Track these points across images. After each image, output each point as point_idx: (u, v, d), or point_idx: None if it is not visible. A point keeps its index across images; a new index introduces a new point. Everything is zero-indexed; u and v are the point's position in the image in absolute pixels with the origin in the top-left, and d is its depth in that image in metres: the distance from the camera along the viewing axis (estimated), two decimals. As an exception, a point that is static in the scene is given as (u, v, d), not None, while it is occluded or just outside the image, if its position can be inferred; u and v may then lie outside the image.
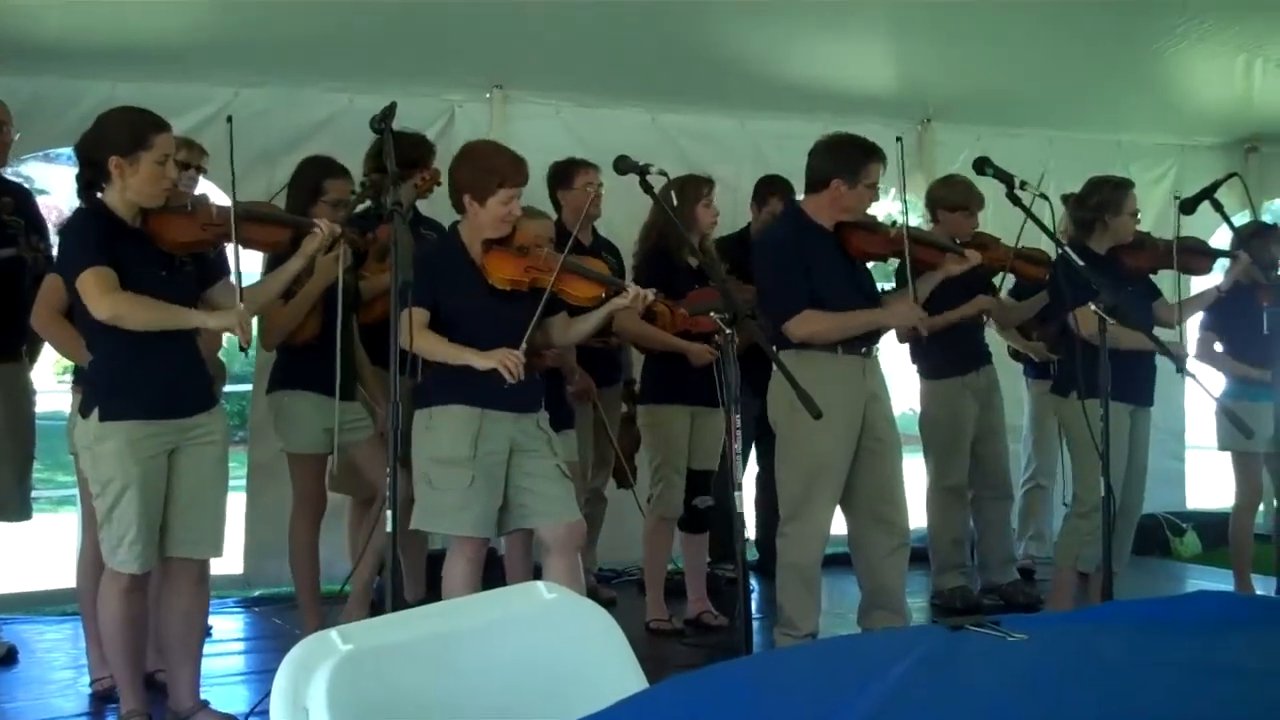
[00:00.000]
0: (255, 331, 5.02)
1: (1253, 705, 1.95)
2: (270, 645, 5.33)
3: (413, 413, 4.29)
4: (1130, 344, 4.75)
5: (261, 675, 4.74)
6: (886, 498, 4.98)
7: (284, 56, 5.81)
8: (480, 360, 4.17)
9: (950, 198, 5.95)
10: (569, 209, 5.55)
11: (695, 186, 5.37)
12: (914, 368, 6.31)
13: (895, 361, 6.44)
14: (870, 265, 5.23)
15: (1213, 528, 7.44)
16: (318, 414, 4.83)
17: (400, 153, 4.18)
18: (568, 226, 5.26)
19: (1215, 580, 6.57)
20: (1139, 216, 5.60)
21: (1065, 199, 5.65)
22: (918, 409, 6.34)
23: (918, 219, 6.16)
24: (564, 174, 5.62)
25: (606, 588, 6.17)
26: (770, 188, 6.21)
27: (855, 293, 4.95)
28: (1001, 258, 5.98)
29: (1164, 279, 5.94)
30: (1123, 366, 4.53)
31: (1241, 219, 6.23)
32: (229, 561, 5.65)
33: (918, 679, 1.96)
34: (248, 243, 4.21)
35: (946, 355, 6.04)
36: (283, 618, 5.77)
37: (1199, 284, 6.46)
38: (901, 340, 5.82)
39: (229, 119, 4.27)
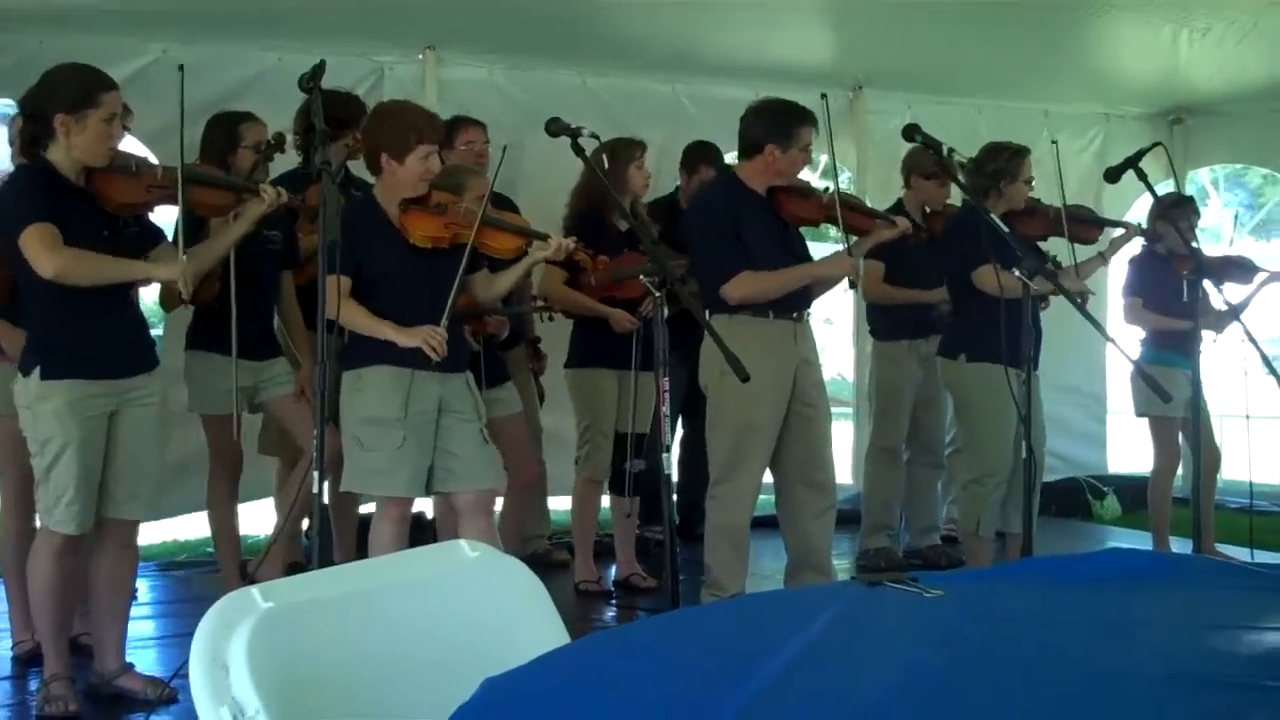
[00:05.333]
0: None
1: (1160, 657, 2.01)
2: (198, 608, 5.28)
3: (340, 374, 4.26)
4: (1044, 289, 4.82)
5: (187, 638, 4.70)
6: (816, 461, 5.03)
7: (213, 13, 5.72)
8: (402, 337, 4.15)
9: (926, 165, 5.96)
10: None
11: (627, 149, 5.36)
12: (846, 335, 6.37)
13: (826, 328, 6.50)
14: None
15: (1133, 491, 7.60)
16: (221, 374, 4.79)
17: (331, 111, 4.13)
18: None
19: (1135, 542, 6.69)
20: (1033, 185, 5.67)
21: (962, 165, 5.71)
22: (847, 374, 6.41)
23: (846, 183, 6.20)
24: (445, 133, 5.20)
25: (560, 551, 6.20)
26: (699, 155, 6.21)
27: (788, 257, 4.96)
28: None
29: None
30: (1009, 330, 4.60)
31: (1166, 188, 6.32)
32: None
33: (835, 633, 2.00)
34: (193, 206, 4.16)
35: (898, 318, 6.14)
36: (210, 580, 5.73)
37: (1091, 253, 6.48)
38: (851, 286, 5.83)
39: (180, 67, 4.20)
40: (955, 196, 5.93)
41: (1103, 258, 5.92)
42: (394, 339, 4.15)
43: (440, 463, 4.31)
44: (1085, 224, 5.97)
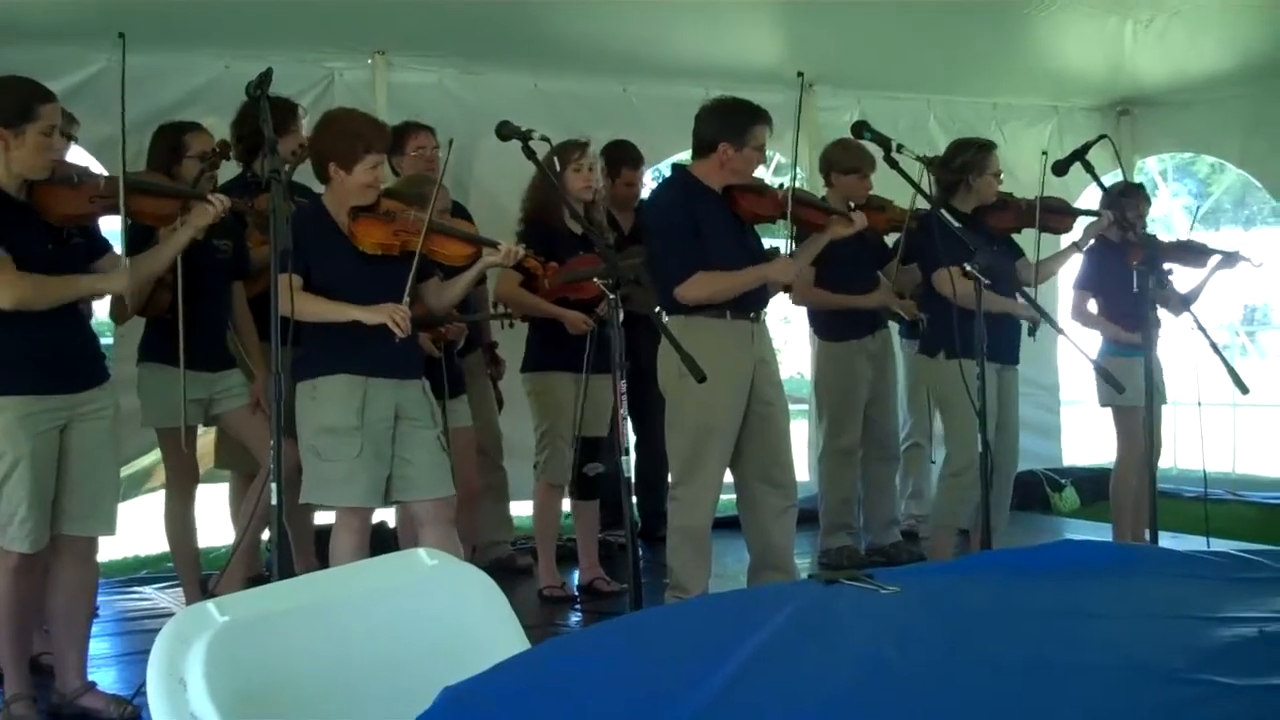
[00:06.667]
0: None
1: (1114, 649, 2.03)
2: (159, 625, 5.22)
3: (294, 385, 4.24)
4: (998, 307, 4.87)
5: (149, 655, 4.66)
6: (775, 460, 5.04)
7: (160, 20, 5.67)
8: (367, 315, 4.14)
9: (843, 161, 6.02)
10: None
11: (564, 152, 5.31)
12: (804, 333, 6.38)
13: (784, 327, 6.51)
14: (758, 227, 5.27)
15: (1090, 483, 7.68)
16: (174, 386, 4.75)
17: (258, 117, 4.10)
18: None
19: (1094, 534, 6.73)
20: (1001, 177, 5.73)
21: (928, 161, 5.75)
22: (805, 373, 6.41)
23: (800, 180, 6.23)
24: (395, 139, 5.31)
25: (524, 556, 6.18)
26: (619, 157, 6.20)
27: (745, 254, 4.98)
28: (898, 219, 6.07)
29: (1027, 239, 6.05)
30: (987, 326, 4.65)
31: (1113, 179, 6.38)
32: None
33: (792, 631, 2.01)
34: (137, 215, 4.14)
35: (843, 318, 6.14)
36: (171, 596, 5.70)
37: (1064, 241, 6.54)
38: (796, 303, 5.88)
39: (121, 35, 4.16)
40: (895, 191, 5.95)
41: (1076, 247, 5.97)
42: (360, 317, 4.14)
43: (398, 471, 4.30)
44: (1057, 214, 6.03)
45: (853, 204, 5.92)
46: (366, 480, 4.23)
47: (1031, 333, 5.42)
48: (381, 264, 4.27)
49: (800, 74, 5.20)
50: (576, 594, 5.76)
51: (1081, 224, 6.14)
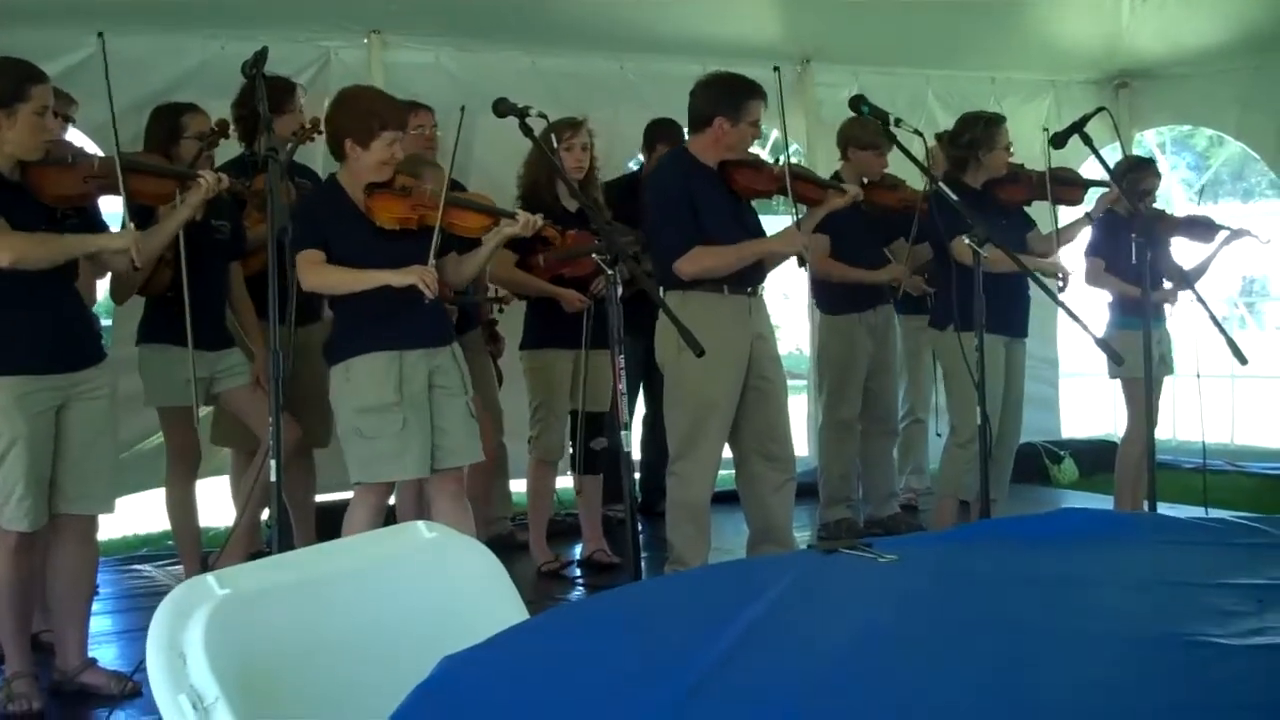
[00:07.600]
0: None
1: (1115, 615, 2.03)
2: (159, 602, 5.23)
3: (287, 359, 4.23)
4: (1007, 267, 4.85)
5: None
6: (773, 434, 5.04)
7: (154, 2, 5.66)
8: (397, 277, 4.12)
9: (862, 137, 5.99)
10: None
11: (559, 130, 5.27)
12: (802, 308, 6.37)
13: (782, 302, 6.51)
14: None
15: (1089, 455, 7.67)
16: (177, 366, 4.75)
17: (255, 96, 4.09)
18: None
19: (1094, 506, 6.75)
20: (1012, 151, 5.71)
21: (939, 137, 5.73)
22: (804, 348, 6.41)
23: (797, 156, 6.21)
24: None
25: (523, 531, 6.20)
26: (658, 133, 6.20)
27: (742, 230, 4.97)
28: (909, 200, 6.06)
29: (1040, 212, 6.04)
30: (997, 299, 4.64)
31: (1111, 152, 6.36)
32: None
33: (792, 599, 2.01)
34: (133, 195, 4.13)
35: (845, 292, 6.14)
36: (171, 573, 5.71)
37: (1071, 214, 6.52)
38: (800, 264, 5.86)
39: (100, 34, 4.14)
40: (904, 171, 5.93)
41: (1089, 218, 5.96)
42: (388, 279, 4.13)
43: (435, 440, 4.31)
44: (1069, 186, 6.01)
45: (866, 180, 5.91)
46: (415, 452, 4.24)
47: (1063, 288, 5.40)
48: (399, 239, 4.26)
49: (776, 68, 5.12)
50: (572, 562, 5.80)
51: (1093, 195, 6.12)
